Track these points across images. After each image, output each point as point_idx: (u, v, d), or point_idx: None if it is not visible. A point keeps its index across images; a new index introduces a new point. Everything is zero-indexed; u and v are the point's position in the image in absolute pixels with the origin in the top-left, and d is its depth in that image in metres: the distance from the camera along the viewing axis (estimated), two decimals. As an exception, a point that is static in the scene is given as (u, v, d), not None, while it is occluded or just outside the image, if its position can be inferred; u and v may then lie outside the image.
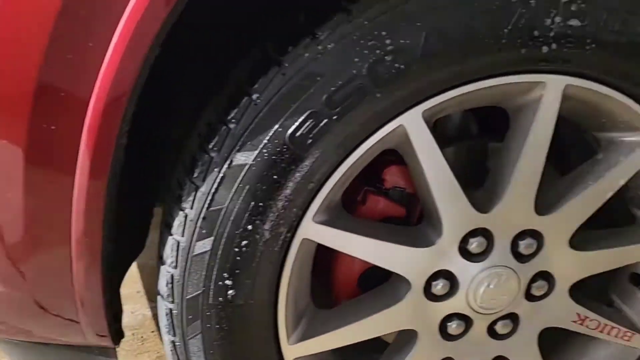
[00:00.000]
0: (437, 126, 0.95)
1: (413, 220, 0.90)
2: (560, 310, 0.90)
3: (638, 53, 0.72)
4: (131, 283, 1.62)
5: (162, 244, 0.80)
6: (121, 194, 0.70)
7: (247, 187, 0.71)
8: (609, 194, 0.83)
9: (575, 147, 0.97)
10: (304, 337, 0.83)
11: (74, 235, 0.69)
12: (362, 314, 0.84)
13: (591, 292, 0.96)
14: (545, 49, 0.70)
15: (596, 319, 0.92)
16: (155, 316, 1.56)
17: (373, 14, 0.67)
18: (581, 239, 0.86)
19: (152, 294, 1.64)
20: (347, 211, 0.85)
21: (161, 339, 1.45)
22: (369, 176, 0.89)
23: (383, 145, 0.76)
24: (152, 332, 1.51)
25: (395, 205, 0.88)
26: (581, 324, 0.92)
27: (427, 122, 0.74)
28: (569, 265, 0.87)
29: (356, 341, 0.86)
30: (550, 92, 0.75)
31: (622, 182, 0.83)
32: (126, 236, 0.90)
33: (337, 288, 0.92)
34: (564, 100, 0.76)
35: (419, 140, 0.75)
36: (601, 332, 0.94)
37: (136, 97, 0.63)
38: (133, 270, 1.64)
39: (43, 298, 0.75)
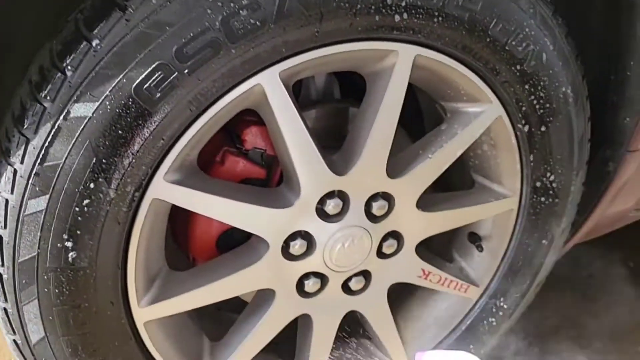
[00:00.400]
0: (300, 88, 0.96)
1: (273, 182, 0.90)
2: (408, 267, 0.98)
3: (477, 29, 0.78)
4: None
5: (-13, 203, 0.71)
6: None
7: (88, 141, 0.65)
8: (451, 160, 0.91)
9: (428, 115, 1.04)
10: (156, 300, 0.80)
11: None
12: (219, 274, 0.84)
13: (434, 249, 1.05)
14: (397, 17, 0.73)
15: (438, 274, 1.02)
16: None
17: (226, -37, 0.64)
18: (427, 201, 0.93)
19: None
20: (205, 172, 0.82)
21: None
22: (228, 136, 0.87)
23: (240, 104, 0.74)
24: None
25: (255, 166, 0.88)
26: (425, 279, 1.01)
27: (285, 83, 0.74)
28: (416, 225, 0.94)
29: (213, 302, 0.85)
30: (402, 60, 0.78)
31: (461, 150, 0.90)
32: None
33: (195, 249, 0.90)
34: (415, 69, 0.80)
35: (276, 101, 0.74)
36: (442, 285, 1.03)
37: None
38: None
39: None
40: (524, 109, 0.88)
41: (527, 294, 1.11)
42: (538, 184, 0.97)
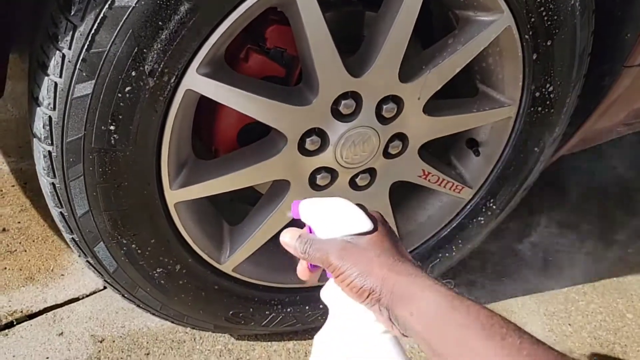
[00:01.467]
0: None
1: (292, 81, 0.95)
2: (410, 167, 1.06)
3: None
4: (-18, 140, 1.52)
5: (36, 84, 0.76)
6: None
7: (131, 31, 0.69)
8: (460, 67, 0.96)
9: (439, 23, 1.07)
10: (186, 184, 0.88)
11: None
12: (242, 164, 0.91)
13: (435, 152, 1.13)
14: None
15: (437, 175, 1.10)
16: (14, 171, 1.50)
17: None
18: (433, 106, 0.99)
19: (8, 149, 1.55)
20: (231, 67, 0.87)
21: (24, 192, 1.41)
22: (252, 34, 0.91)
23: (269, 2, 0.77)
24: (13, 186, 1.46)
25: (276, 64, 0.92)
26: (425, 178, 1.10)
27: (312, -18, 0.77)
28: (422, 128, 1.01)
29: (235, 188, 0.93)
30: (423, -34, 0.81)
31: (469, 58, 0.95)
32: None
33: (218, 142, 0.97)
34: (434, -24, 0.83)
35: (303, 2, 0.78)
36: (439, 185, 1.13)
37: None
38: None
39: None
40: (532, 20, 0.93)
41: (515, 197, 1.21)
42: (537, 94, 1.03)
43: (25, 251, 1.29)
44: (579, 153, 1.32)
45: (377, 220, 0.64)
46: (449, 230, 1.21)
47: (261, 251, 1.03)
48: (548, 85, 1.02)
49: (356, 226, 0.62)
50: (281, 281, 1.10)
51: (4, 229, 1.33)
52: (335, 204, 0.65)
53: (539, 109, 1.06)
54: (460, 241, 1.23)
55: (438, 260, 1.23)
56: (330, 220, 0.64)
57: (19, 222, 1.36)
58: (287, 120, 0.88)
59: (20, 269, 1.25)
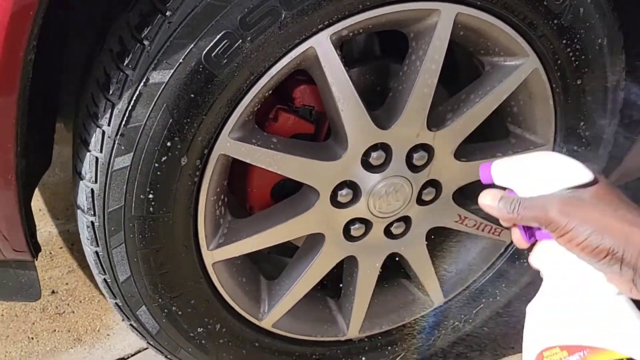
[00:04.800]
0: (344, 48, 1.01)
1: (321, 137, 0.97)
2: (445, 212, 1.05)
3: (518, -13, 0.81)
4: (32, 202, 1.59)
5: (79, 159, 0.80)
6: (28, 109, 0.69)
7: (165, 105, 0.73)
8: (489, 112, 0.96)
9: (464, 70, 1.08)
10: (223, 244, 0.90)
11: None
12: (276, 221, 0.93)
13: (471, 195, 1.12)
14: (440, -22, 0.77)
15: (474, 219, 1.08)
16: (62, 233, 1.56)
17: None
18: (464, 151, 0.99)
19: (56, 212, 1.62)
20: (260, 128, 0.90)
21: (71, 254, 1.47)
22: (280, 95, 0.94)
23: (294, 65, 0.80)
24: (60, 248, 1.51)
25: (305, 122, 0.95)
26: (461, 223, 1.08)
27: (334, 44, 0.79)
28: (454, 174, 1.00)
29: (271, 245, 0.95)
30: (444, 18, 0.82)
31: (498, 102, 0.95)
32: (34, 152, 0.89)
33: (252, 199, 0.99)
34: (455, 26, 0.84)
35: (327, 62, 0.80)
36: (477, 229, 1.10)
37: (44, 9, 0.61)
38: (32, 189, 1.60)
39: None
40: (559, 61, 0.92)
41: (558, 236, 1.17)
42: (571, 132, 1.01)
43: (73, 312, 1.33)
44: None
45: (594, 170, 0.55)
46: (491, 273, 1.18)
47: (300, 304, 1.03)
48: (582, 124, 1.00)
49: (575, 178, 0.54)
50: (321, 334, 1.09)
51: (53, 291, 1.38)
52: (539, 159, 0.57)
53: (574, 147, 1.03)
54: (503, 285, 1.19)
55: (482, 305, 1.19)
56: (537, 177, 0.55)
57: (67, 284, 1.41)
58: (318, 176, 0.90)
59: (69, 331, 1.28)
